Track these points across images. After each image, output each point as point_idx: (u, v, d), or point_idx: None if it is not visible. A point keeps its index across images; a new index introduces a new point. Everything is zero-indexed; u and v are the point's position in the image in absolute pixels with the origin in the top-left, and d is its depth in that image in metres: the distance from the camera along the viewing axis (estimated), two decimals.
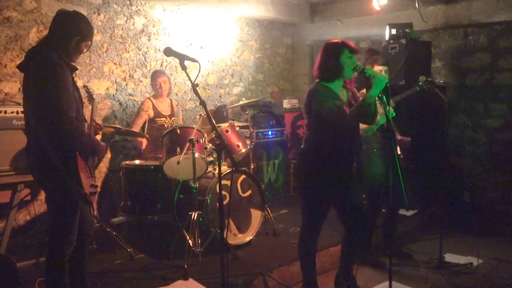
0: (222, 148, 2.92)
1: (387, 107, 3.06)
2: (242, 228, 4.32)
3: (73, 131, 2.67)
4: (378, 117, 3.66)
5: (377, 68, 4.11)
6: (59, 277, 2.87)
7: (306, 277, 3.44)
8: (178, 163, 3.91)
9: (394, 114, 3.77)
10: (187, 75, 2.76)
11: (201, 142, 4.13)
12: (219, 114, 5.84)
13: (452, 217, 5.22)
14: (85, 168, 2.85)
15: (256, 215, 4.42)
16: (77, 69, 2.95)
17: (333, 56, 3.15)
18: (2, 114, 3.72)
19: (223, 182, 3.94)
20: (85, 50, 2.91)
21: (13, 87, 4.35)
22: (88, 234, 3.04)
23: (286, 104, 6.45)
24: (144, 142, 4.79)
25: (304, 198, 3.37)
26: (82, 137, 2.73)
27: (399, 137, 4.34)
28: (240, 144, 4.49)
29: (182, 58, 2.80)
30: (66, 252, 2.86)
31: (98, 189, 5.01)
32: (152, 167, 4.33)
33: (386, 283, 3.16)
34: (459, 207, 5.58)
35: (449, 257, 4.32)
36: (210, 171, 4.38)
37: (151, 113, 4.81)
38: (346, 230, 3.42)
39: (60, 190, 2.79)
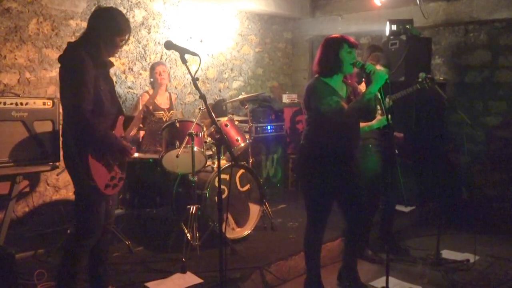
0: (221, 142, 2.93)
1: (385, 106, 3.07)
2: (240, 222, 4.33)
3: (83, 122, 2.70)
4: (374, 121, 3.68)
5: (378, 68, 4.09)
6: (69, 266, 2.89)
7: (311, 271, 3.46)
8: (177, 156, 3.91)
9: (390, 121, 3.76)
10: (187, 69, 2.76)
11: (200, 136, 4.13)
12: (219, 108, 5.85)
13: (450, 214, 5.24)
14: (102, 161, 2.83)
15: (255, 210, 4.43)
16: (112, 64, 3.01)
17: (332, 51, 3.16)
18: (1, 106, 3.69)
19: (222, 176, 3.94)
20: (122, 44, 2.93)
21: (12, 78, 4.34)
22: (105, 227, 3.03)
23: (285, 99, 6.45)
24: (142, 133, 4.75)
25: (306, 194, 3.38)
26: (94, 131, 2.73)
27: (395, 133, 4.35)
28: (239, 138, 4.49)
29: (182, 51, 2.80)
30: (82, 243, 2.88)
31: None
32: (151, 160, 4.33)
33: (383, 279, 3.18)
34: (457, 204, 5.59)
35: (446, 254, 4.34)
36: (209, 165, 4.39)
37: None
38: (348, 225, 3.43)
39: (75, 181, 2.86)
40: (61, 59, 2.83)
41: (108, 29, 2.83)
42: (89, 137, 2.75)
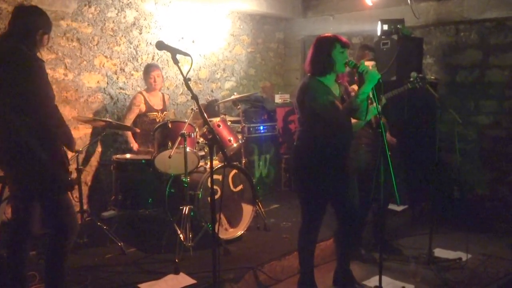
0: (214, 142, 2.92)
1: (378, 104, 3.07)
2: (233, 222, 4.32)
3: (60, 119, 2.79)
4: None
5: (366, 63, 4.09)
6: (59, 268, 2.94)
7: (304, 270, 3.47)
8: (169, 157, 3.90)
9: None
10: (179, 69, 2.75)
11: (193, 136, 4.12)
12: (211, 108, 5.84)
13: (442, 212, 5.26)
14: (64, 156, 2.89)
15: (247, 210, 4.43)
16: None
17: (325, 50, 3.15)
18: None
19: (215, 176, 3.93)
20: (45, 43, 2.95)
21: None
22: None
23: (278, 99, 6.46)
24: (135, 146, 4.76)
25: (301, 194, 3.38)
26: (64, 127, 2.82)
27: (388, 136, 4.35)
28: (231, 138, 4.49)
29: (174, 52, 2.79)
30: (69, 241, 2.93)
31: (89, 183, 5.00)
32: (143, 161, 4.32)
33: (376, 278, 3.19)
34: (449, 203, 5.62)
35: (439, 252, 4.36)
36: (201, 166, 4.38)
37: (143, 107, 4.79)
38: (340, 225, 3.43)
39: (49, 181, 2.79)
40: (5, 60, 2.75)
41: (39, 28, 2.84)
42: (64, 131, 2.81)
